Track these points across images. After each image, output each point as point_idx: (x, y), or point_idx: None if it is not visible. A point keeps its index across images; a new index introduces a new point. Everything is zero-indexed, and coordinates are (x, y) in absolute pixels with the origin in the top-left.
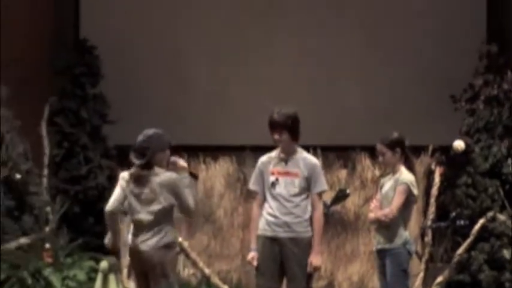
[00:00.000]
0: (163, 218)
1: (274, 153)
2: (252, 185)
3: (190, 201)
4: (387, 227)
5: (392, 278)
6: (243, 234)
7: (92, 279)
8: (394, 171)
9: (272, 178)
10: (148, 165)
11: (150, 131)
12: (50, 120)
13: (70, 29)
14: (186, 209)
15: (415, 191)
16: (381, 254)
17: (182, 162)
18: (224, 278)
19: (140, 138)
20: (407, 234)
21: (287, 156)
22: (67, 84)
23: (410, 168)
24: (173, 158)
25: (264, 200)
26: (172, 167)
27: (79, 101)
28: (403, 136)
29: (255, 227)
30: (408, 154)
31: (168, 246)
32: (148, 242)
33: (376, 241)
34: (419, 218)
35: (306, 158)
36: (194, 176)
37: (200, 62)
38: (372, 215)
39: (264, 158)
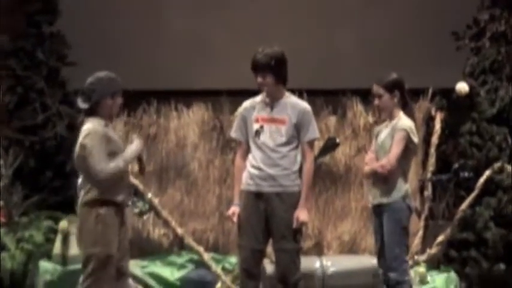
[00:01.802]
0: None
1: (258, 98)
2: (234, 133)
3: (99, 164)
4: (385, 180)
5: (390, 236)
6: (220, 190)
7: (50, 241)
8: (391, 117)
9: (256, 125)
10: (91, 111)
11: (101, 73)
12: (1, 63)
13: None
14: (89, 169)
15: (415, 139)
16: (378, 209)
17: (139, 142)
18: (199, 238)
19: (89, 80)
20: (408, 187)
21: (273, 101)
22: (20, 22)
23: (410, 114)
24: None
25: (248, 150)
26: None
27: (34, 41)
28: (402, 78)
29: (239, 180)
30: (407, 98)
31: (88, 205)
32: (78, 200)
33: (371, 195)
34: (418, 170)
35: (294, 103)
36: (140, 168)
37: None
38: (367, 168)
39: (247, 103)
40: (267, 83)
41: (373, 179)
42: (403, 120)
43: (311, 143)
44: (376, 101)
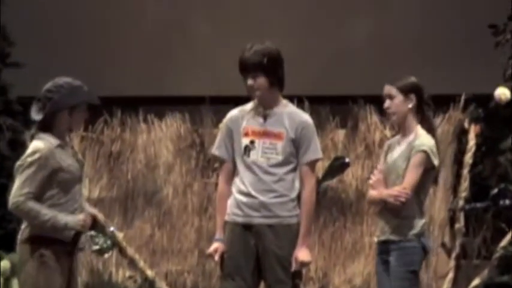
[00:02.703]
0: None
1: (248, 106)
2: (217, 150)
3: (18, 190)
4: (396, 212)
5: (398, 282)
6: (199, 222)
7: None
8: (404, 131)
9: (245, 140)
10: (45, 125)
11: (62, 80)
12: None
13: None
14: (10, 192)
15: (436, 162)
16: (385, 247)
17: (85, 219)
18: (174, 281)
19: (47, 86)
20: (424, 222)
21: (266, 109)
22: None
23: (429, 129)
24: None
25: (234, 171)
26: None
27: None
28: (422, 85)
29: (222, 210)
30: (426, 110)
31: (28, 242)
32: (20, 233)
33: (379, 229)
34: (448, 197)
35: (293, 113)
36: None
37: None
38: (373, 193)
39: (234, 112)
40: (258, 86)
41: (381, 208)
42: (422, 138)
43: (312, 165)
44: (387, 103)
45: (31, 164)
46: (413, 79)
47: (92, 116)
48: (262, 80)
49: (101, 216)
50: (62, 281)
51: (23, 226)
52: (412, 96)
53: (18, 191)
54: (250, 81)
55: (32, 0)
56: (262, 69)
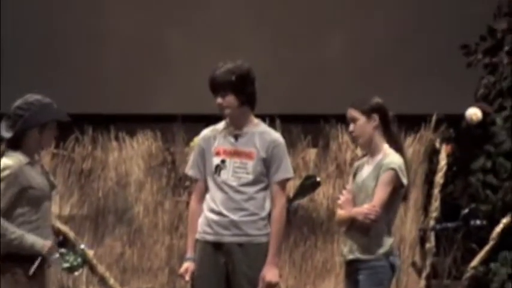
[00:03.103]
0: None
1: (221, 125)
2: (190, 169)
3: None
4: (365, 230)
5: None
6: (170, 240)
7: None
8: (372, 151)
9: (216, 160)
10: (15, 143)
11: (32, 97)
12: None
13: None
14: None
15: (405, 180)
16: (353, 266)
17: (49, 249)
18: None
19: (17, 103)
20: (392, 241)
21: (238, 129)
22: None
23: (397, 148)
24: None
25: (206, 189)
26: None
27: None
28: (384, 104)
29: (193, 228)
30: (390, 127)
31: (2, 261)
32: None
33: (347, 248)
34: (418, 217)
35: (264, 133)
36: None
37: (118, 2)
38: (342, 213)
39: (206, 132)
40: (227, 105)
41: (349, 228)
42: (391, 157)
43: (283, 184)
44: (351, 127)
45: (0, 181)
46: (374, 99)
47: (63, 133)
48: (231, 99)
49: (71, 234)
50: None
51: None
52: (375, 116)
53: None
54: (219, 100)
55: (4, 15)
56: (231, 87)
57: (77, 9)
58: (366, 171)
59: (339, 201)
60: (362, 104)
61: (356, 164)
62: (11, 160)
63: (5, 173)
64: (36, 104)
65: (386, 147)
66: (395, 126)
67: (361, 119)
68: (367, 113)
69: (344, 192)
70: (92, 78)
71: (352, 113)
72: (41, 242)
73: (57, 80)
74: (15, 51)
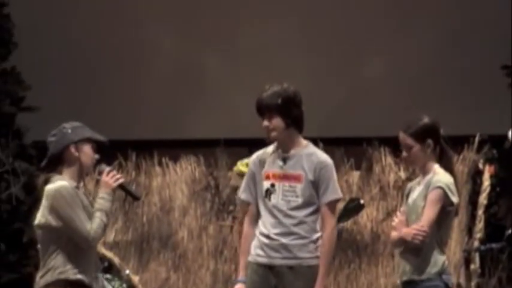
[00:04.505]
0: (47, 244)
1: (270, 149)
2: (243, 193)
3: (85, 226)
4: (416, 251)
5: None
6: (215, 264)
7: None
8: (424, 172)
9: (266, 184)
10: (50, 166)
11: (66, 123)
12: None
13: None
14: (77, 236)
15: (454, 199)
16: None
17: (107, 178)
18: None
19: (52, 132)
20: (445, 260)
21: (285, 152)
22: None
23: (448, 167)
24: (103, 167)
25: (258, 213)
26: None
27: None
28: (436, 122)
29: (246, 251)
30: (444, 147)
31: (49, 286)
32: (36, 278)
33: (401, 270)
34: (463, 238)
35: (312, 154)
36: (133, 196)
37: (158, 26)
38: (395, 234)
39: (256, 156)
40: (274, 127)
41: (403, 248)
42: (439, 176)
43: (332, 205)
44: (404, 154)
45: (71, 199)
46: (425, 120)
47: (106, 159)
48: (277, 121)
49: (116, 260)
50: None
51: (39, 273)
52: (430, 142)
53: (87, 227)
54: (265, 122)
55: (46, 44)
56: (277, 110)
57: (120, 39)
58: (417, 191)
59: (393, 223)
60: (414, 129)
61: (409, 185)
62: (61, 181)
63: (67, 193)
64: (67, 127)
65: (436, 167)
66: (448, 145)
67: (416, 146)
68: (421, 139)
69: (398, 214)
70: (135, 105)
71: (407, 141)
72: (102, 193)
73: (102, 107)
74: (60, 79)
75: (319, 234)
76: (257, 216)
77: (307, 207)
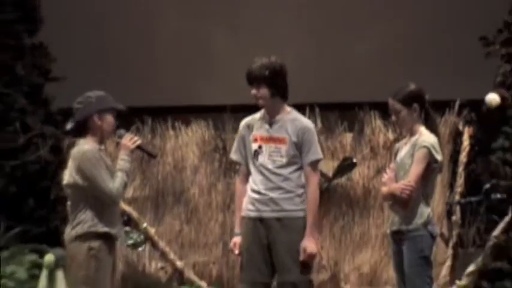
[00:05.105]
0: (76, 201)
1: (258, 115)
2: (234, 154)
3: (108, 184)
4: (404, 204)
5: (411, 267)
6: (223, 217)
7: (34, 277)
8: (411, 133)
9: (255, 145)
10: (76, 132)
11: (90, 92)
12: None
13: None
14: (102, 193)
15: (439, 157)
16: (397, 237)
17: (126, 141)
18: (201, 271)
19: (77, 99)
20: (430, 212)
21: (272, 117)
22: None
23: (433, 129)
24: (122, 132)
25: (249, 172)
26: (119, 140)
27: (13, 54)
28: (421, 89)
29: (239, 207)
30: (429, 111)
31: (80, 238)
32: (66, 231)
33: (390, 221)
34: (445, 192)
35: (295, 119)
36: (150, 155)
37: (170, 5)
38: (385, 189)
39: (245, 121)
40: (261, 96)
41: (392, 201)
42: (424, 136)
43: (314, 165)
44: (394, 117)
45: (95, 161)
46: (412, 87)
47: (124, 124)
48: (264, 91)
49: (134, 214)
50: (108, 269)
51: (69, 226)
52: (416, 106)
53: (110, 185)
54: (253, 91)
55: (70, 20)
56: (264, 80)
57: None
58: (404, 150)
59: (383, 179)
60: (402, 94)
61: (397, 145)
62: (87, 145)
63: (92, 155)
64: (92, 96)
65: (422, 129)
66: (432, 110)
67: (403, 110)
68: (408, 104)
69: (387, 170)
70: (151, 75)
71: (395, 105)
72: (122, 155)
73: (120, 77)
74: (82, 52)
75: (303, 189)
76: (247, 175)
77: (291, 165)
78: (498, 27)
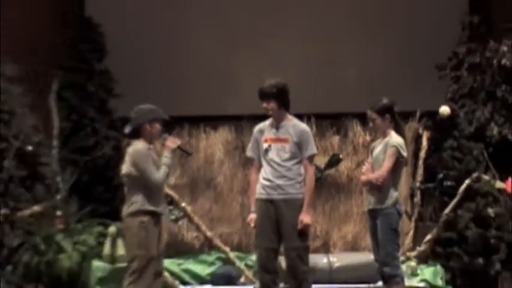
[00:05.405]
0: (131, 186)
1: (268, 122)
2: (249, 152)
3: (154, 175)
4: (378, 189)
5: (384, 236)
6: (242, 199)
7: (101, 244)
8: (384, 135)
9: (265, 145)
10: (131, 135)
11: (144, 105)
12: (58, 95)
13: (76, 8)
14: (149, 181)
15: (404, 153)
16: (373, 214)
17: (169, 142)
18: (225, 240)
19: (134, 109)
20: (397, 194)
21: (278, 123)
22: (74, 60)
23: (400, 132)
24: (166, 136)
25: (260, 165)
26: (163, 142)
27: (86, 76)
28: (392, 102)
29: (254, 191)
30: (397, 119)
31: (133, 214)
32: (123, 209)
33: (367, 202)
34: (409, 180)
35: (295, 125)
36: (187, 153)
37: (201, 37)
38: (364, 177)
39: (258, 127)
40: (270, 108)
41: (369, 187)
42: (394, 138)
43: (311, 158)
44: (371, 124)
45: (145, 157)
46: (385, 101)
47: (168, 129)
48: (273, 104)
49: (175, 196)
50: (155, 237)
51: (125, 206)
52: (387, 115)
53: (155, 175)
54: (264, 104)
55: (128, 51)
56: (273, 96)
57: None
58: (378, 149)
59: (362, 170)
60: (377, 106)
61: (373, 144)
62: (139, 145)
63: (142, 153)
64: (145, 108)
65: (392, 132)
66: (399, 118)
67: (378, 119)
68: (382, 113)
69: (366, 163)
70: (187, 91)
71: (372, 115)
72: (165, 153)
73: (165, 93)
74: (137, 73)
75: (302, 177)
76: (259, 167)
77: (293, 159)
78: (449, 56)
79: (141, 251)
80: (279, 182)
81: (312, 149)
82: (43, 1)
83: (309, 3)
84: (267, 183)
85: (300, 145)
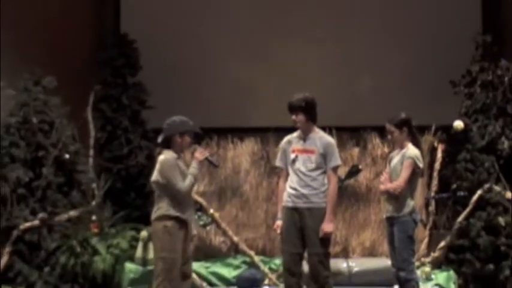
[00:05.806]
0: (159, 193)
1: (295, 134)
2: (277, 162)
3: (179, 184)
4: (396, 198)
5: (400, 243)
6: (266, 206)
7: (133, 247)
8: (401, 147)
9: (292, 155)
10: (163, 144)
11: (176, 117)
12: (95, 106)
13: (111, 25)
14: (174, 189)
15: (421, 164)
16: (390, 221)
17: (197, 154)
18: (250, 244)
19: (166, 121)
20: (414, 203)
21: (305, 135)
22: (109, 74)
23: (417, 144)
24: (195, 147)
25: (288, 174)
26: (193, 152)
27: (120, 89)
28: (409, 116)
29: (281, 199)
30: (414, 132)
31: (159, 219)
32: (152, 214)
33: (385, 210)
34: (424, 190)
35: (322, 137)
36: (213, 165)
37: (230, 53)
38: (382, 187)
39: (286, 138)
40: (299, 120)
41: (387, 196)
42: (411, 150)
43: (335, 169)
44: (389, 136)
45: (172, 167)
46: (403, 115)
47: (198, 140)
48: (301, 117)
49: (204, 203)
50: (179, 241)
51: (154, 210)
52: (405, 128)
53: (180, 184)
54: (293, 117)
55: (160, 67)
56: (301, 110)
57: (203, 61)
58: (396, 159)
59: (381, 180)
60: (396, 120)
61: (390, 155)
62: (168, 155)
63: (170, 162)
64: (177, 120)
65: (409, 145)
66: (416, 131)
67: (396, 132)
68: (400, 126)
69: (384, 173)
70: (217, 105)
71: (390, 128)
72: (193, 163)
73: (195, 106)
74: (170, 88)
75: (325, 187)
76: (287, 176)
77: (318, 169)
78: (462, 73)
79: (165, 253)
80: (304, 191)
81: (336, 160)
82: (83, 21)
83: (331, 21)
84: (293, 191)
85: (325, 156)
